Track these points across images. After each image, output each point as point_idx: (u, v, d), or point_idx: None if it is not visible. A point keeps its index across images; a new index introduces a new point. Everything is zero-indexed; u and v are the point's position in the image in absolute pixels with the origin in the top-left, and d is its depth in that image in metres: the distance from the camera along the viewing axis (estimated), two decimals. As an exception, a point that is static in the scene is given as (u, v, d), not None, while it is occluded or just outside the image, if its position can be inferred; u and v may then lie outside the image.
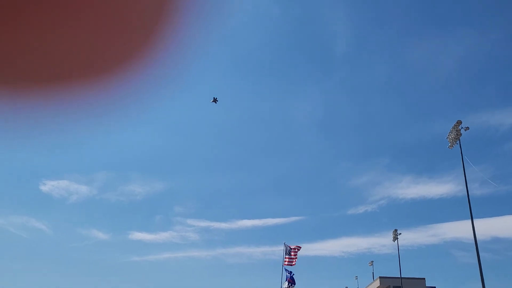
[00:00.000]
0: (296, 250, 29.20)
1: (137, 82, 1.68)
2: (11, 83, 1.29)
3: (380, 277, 75.27)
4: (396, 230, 65.21)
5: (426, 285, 71.54)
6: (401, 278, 63.10)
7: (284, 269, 29.13)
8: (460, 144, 34.69)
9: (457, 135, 35.01)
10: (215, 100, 61.74)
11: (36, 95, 1.32)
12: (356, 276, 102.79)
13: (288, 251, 29.43)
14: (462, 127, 34.83)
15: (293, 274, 28.00)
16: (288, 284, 27.87)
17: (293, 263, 28.92)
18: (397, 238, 64.36)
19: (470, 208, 31.69)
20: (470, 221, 31.15)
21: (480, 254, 30.51)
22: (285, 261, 29.21)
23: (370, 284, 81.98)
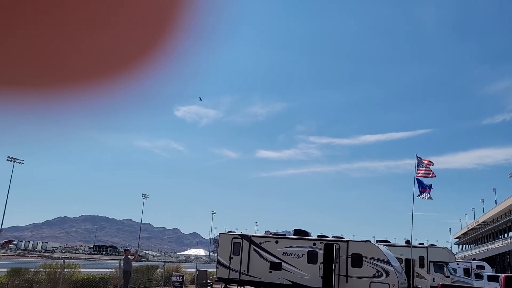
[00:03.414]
0: (430, 164, 28.18)
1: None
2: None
3: (523, 189, 69.42)
4: (544, 138, 58.30)
5: None
6: (549, 189, 57.38)
7: (416, 180, 28.62)
8: None
9: None
10: (200, 99, 70.59)
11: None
12: (494, 189, 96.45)
13: (421, 164, 28.61)
14: None
15: (430, 186, 27.31)
16: (423, 194, 27.43)
17: (430, 175, 28.10)
18: (546, 147, 57.66)
19: None
20: None
21: None
22: (418, 173, 28.57)
23: (510, 196, 76.41)
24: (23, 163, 67.98)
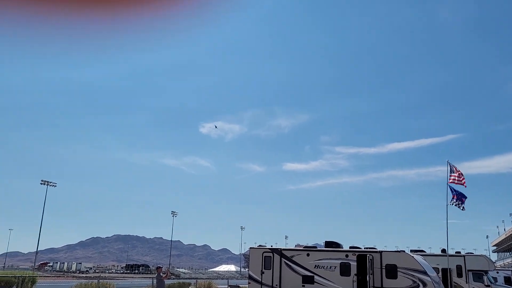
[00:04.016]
0: (460, 173, 27.48)
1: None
2: None
3: (563, 192, 66.56)
4: None
5: None
6: None
7: (449, 187, 27.87)
8: None
9: None
10: (215, 126, 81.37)
11: None
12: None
13: (453, 169, 27.90)
14: None
15: (463, 196, 26.49)
16: (456, 201, 26.66)
17: (462, 182, 27.35)
18: None
19: None
20: None
21: None
22: (450, 179, 27.84)
23: (550, 199, 73.27)
24: (56, 186, 69.80)
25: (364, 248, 22.36)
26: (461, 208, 27.08)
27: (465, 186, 27.85)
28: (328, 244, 22.69)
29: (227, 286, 26.37)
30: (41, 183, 67.76)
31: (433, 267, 21.79)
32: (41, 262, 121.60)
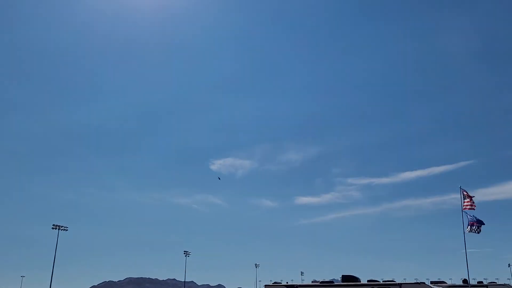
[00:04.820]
0: (471, 197, 27.17)
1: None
2: None
3: None
4: None
5: None
6: None
7: (464, 214, 27.38)
8: None
9: None
10: (219, 178, 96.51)
11: None
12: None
13: (465, 196, 27.50)
14: None
15: (478, 221, 25.98)
16: (473, 227, 26.10)
17: (474, 207, 26.93)
18: None
19: None
20: None
21: None
22: (464, 205, 27.40)
23: None
24: (67, 230, 69.59)
25: (383, 281, 21.82)
26: (477, 231, 26.44)
27: (474, 209, 27.39)
28: (346, 278, 22.19)
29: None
30: (53, 228, 67.65)
31: (455, 299, 21.10)
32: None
